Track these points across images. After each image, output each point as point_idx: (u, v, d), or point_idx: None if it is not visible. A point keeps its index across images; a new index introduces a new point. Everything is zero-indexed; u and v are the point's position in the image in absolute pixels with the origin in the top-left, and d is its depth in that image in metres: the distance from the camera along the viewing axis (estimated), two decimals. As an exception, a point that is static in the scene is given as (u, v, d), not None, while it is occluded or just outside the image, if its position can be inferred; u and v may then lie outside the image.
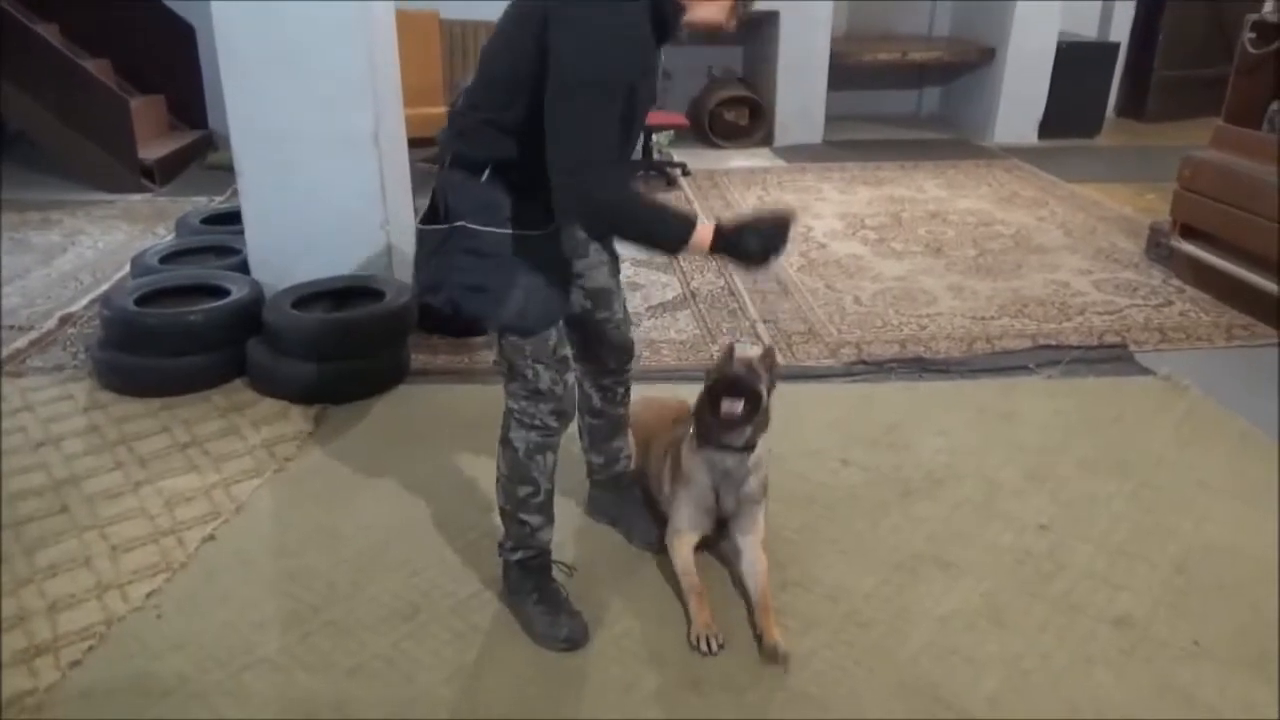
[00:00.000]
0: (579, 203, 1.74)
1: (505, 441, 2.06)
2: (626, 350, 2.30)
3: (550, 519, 2.15)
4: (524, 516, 2.10)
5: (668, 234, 1.80)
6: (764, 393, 2.16)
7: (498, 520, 2.18)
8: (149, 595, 2.21)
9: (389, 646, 2.07)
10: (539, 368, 1.96)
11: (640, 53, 1.75)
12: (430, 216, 1.94)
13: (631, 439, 2.52)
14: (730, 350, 2.21)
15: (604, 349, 2.26)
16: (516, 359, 1.96)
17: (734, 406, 2.10)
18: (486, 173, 1.85)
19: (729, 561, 2.33)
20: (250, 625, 2.13)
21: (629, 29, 1.69)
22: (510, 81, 1.78)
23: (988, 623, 2.16)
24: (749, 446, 2.19)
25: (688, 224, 1.79)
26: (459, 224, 1.86)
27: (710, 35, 1.87)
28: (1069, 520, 2.53)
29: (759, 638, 2.07)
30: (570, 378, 2.04)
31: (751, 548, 2.24)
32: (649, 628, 2.14)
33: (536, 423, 2.01)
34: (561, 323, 2.00)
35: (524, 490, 2.07)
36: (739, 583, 2.25)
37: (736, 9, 1.81)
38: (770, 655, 2.02)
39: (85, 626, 2.11)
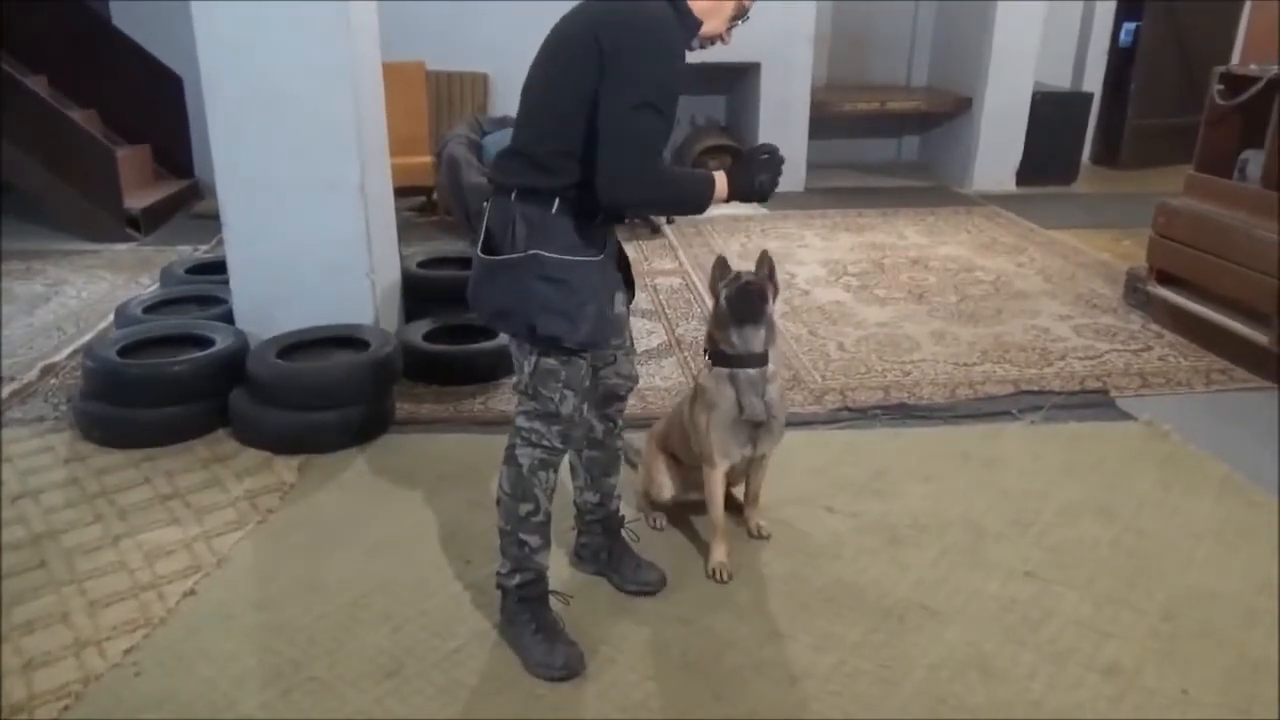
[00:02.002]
0: (629, 196, 1.96)
1: (510, 459, 2.13)
2: (633, 377, 2.37)
3: (548, 542, 2.18)
4: (524, 536, 2.13)
5: (698, 200, 2.04)
6: (768, 291, 2.35)
7: (483, 571, 2.16)
8: (127, 652, 2.17)
9: (371, 703, 2.04)
10: (568, 393, 2.06)
11: (679, 66, 1.97)
12: (488, 246, 2.03)
13: (660, 467, 2.65)
14: (723, 259, 2.41)
15: (616, 375, 2.31)
16: (548, 382, 2.04)
17: (758, 284, 2.32)
18: (556, 204, 1.97)
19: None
20: (231, 681, 2.10)
21: (674, 49, 1.95)
22: (581, 113, 1.92)
23: (976, 671, 2.15)
24: (764, 358, 2.35)
25: (709, 185, 2.05)
26: (533, 253, 1.95)
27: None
28: (1054, 566, 2.54)
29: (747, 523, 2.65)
30: (585, 407, 2.14)
31: (765, 460, 2.55)
32: (637, 675, 2.12)
33: (544, 442, 2.09)
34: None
35: (525, 508, 2.11)
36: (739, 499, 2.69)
37: (732, 26, 2.09)
38: (756, 533, 2.64)
39: (61, 685, 2.07)
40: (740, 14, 2.08)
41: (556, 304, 1.97)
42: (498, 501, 2.16)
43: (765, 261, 2.40)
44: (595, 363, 2.23)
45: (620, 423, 2.41)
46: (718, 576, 2.45)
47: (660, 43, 1.91)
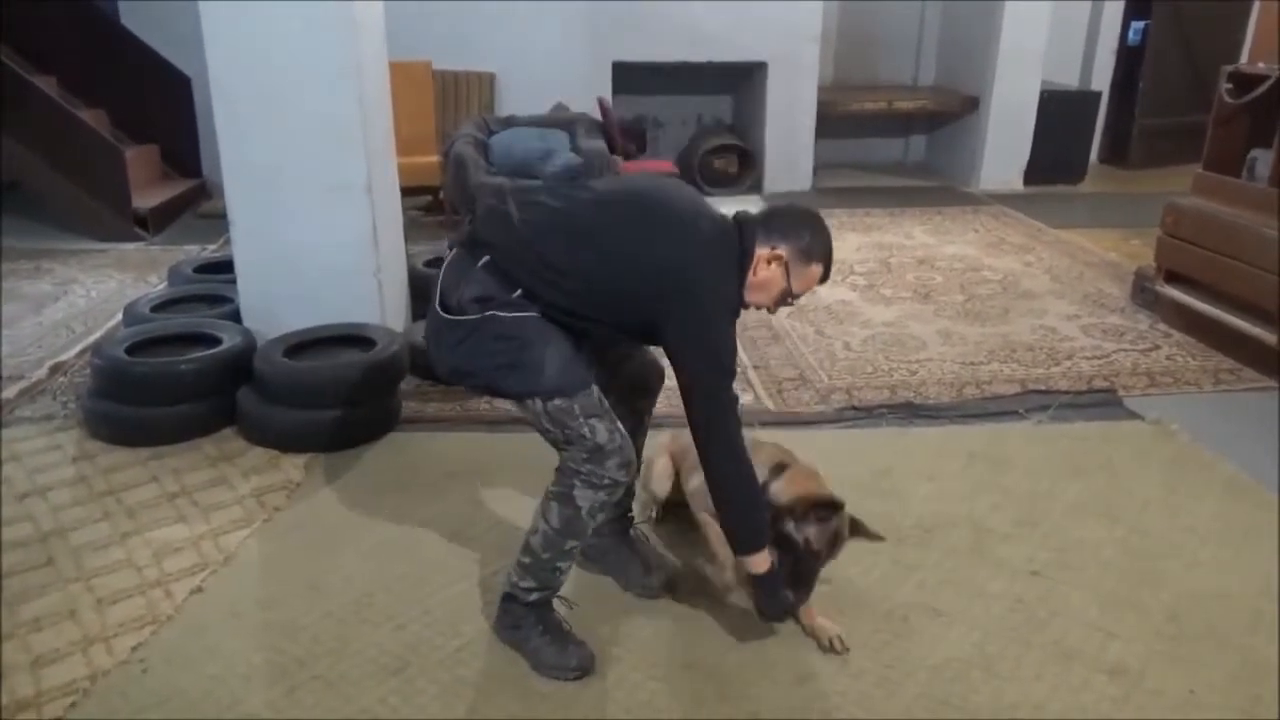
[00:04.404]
0: (736, 458, 2.03)
1: (564, 500, 2.03)
2: (656, 364, 2.34)
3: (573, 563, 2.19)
4: (560, 565, 2.11)
5: (760, 527, 2.10)
6: (818, 570, 2.21)
7: (488, 569, 2.16)
8: (135, 649, 2.18)
9: (376, 701, 2.04)
10: (593, 422, 2.00)
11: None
12: (444, 304, 2.03)
13: (663, 468, 2.61)
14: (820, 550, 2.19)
15: (640, 365, 2.31)
16: (569, 421, 1.99)
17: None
18: (519, 293, 1.99)
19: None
20: (237, 679, 2.10)
21: (732, 319, 2.06)
22: (592, 283, 2.00)
23: (980, 672, 2.14)
24: None
25: (763, 536, 2.09)
26: (489, 314, 1.97)
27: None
28: (1060, 566, 2.53)
29: (816, 639, 2.25)
30: (622, 427, 2.06)
31: None
32: (641, 675, 2.12)
33: (605, 481, 2.01)
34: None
35: (572, 544, 2.08)
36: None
37: (778, 305, 2.16)
38: (830, 647, 2.21)
39: (69, 681, 2.08)
40: (788, 297, 2.13)
41: (512, 359, 1.97)
42: (534, 531, 2.08)
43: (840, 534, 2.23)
44: (611, 362, 2.21)
45: (647, 421, 2.38)
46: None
47: (729, 318, 2.04)
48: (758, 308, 2.15)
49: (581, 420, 1.99)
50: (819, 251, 2.11)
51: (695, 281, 1.98)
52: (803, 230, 2.10)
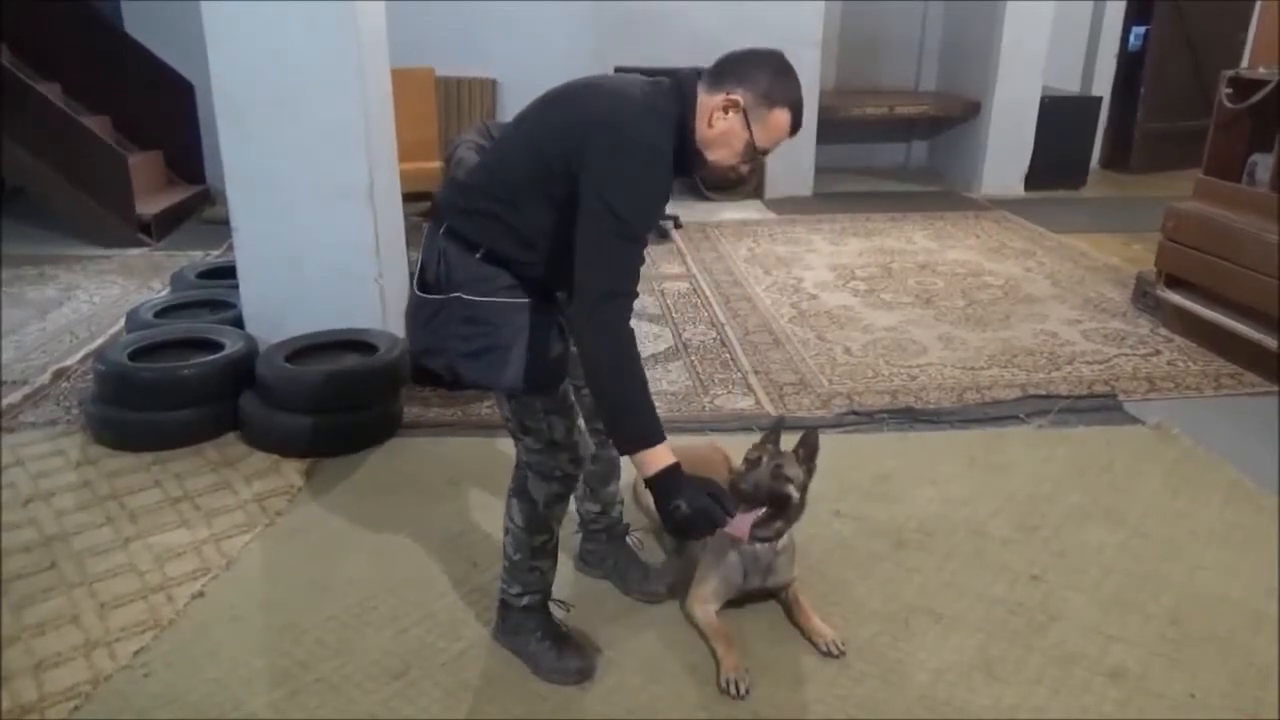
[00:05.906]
0: (601, 329, 1.75)
1: (521, 494, 2.06)
2: None
3: (556, 560, 2.18)
4: (536, 563, 2.11)
5: (636, 418, 1.77)
6: (793, 493, 2.19)
7: (489, 574, 2.17)
8: (137, 653, 2.19)
9: (378, 704, 2.05)
10: (553, 419, 1.99)
11: (666, 196, 1.88)
12: (421, 280, 1.99)
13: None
14: (760, 456, 2.20)
15: None
16: (528, 416, 1.98)
17: (741, 527, 2.07)
18: (480, 253, 1.90)
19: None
20: (239, 682, 2.11)
21: (663, 178, 1.82)
22: (528, 188, 1.85)
23: (981, 675, 2.15)
24: (776, 536, 2.24)
25: (654, 431, 1.77)
26: (455, 295, 1.90)
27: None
28: (1061, 570, 2.53)
29: (814, 643, 2.22)
30: (581, 423, 2.06)
31: (787, 598, 2.35)
32: (641, 679, 2.12)
33: (557, 473, 2.03)
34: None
35: (540, 539, 2.09)
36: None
37: (746, 162, 1.91)
38: (828, 651, 2.20)
39: (71, 686, 2.08)
40: (754, 152, 1.89)
41: (480, 346, 1.89)
42: (505, 531, 2.11)
43: (807, 442, 2.24)
44: (575, 380, 2.13)
45: None
46: (735, 690, 2.05)
47: (648, 164, 1.78)
48: (728, 170, 1.89)
49: (542, 415, 1.97)
50: (782, 95, 1.84)
51: (615, 126, 1.78)
52: (759, 73, 1.84)
